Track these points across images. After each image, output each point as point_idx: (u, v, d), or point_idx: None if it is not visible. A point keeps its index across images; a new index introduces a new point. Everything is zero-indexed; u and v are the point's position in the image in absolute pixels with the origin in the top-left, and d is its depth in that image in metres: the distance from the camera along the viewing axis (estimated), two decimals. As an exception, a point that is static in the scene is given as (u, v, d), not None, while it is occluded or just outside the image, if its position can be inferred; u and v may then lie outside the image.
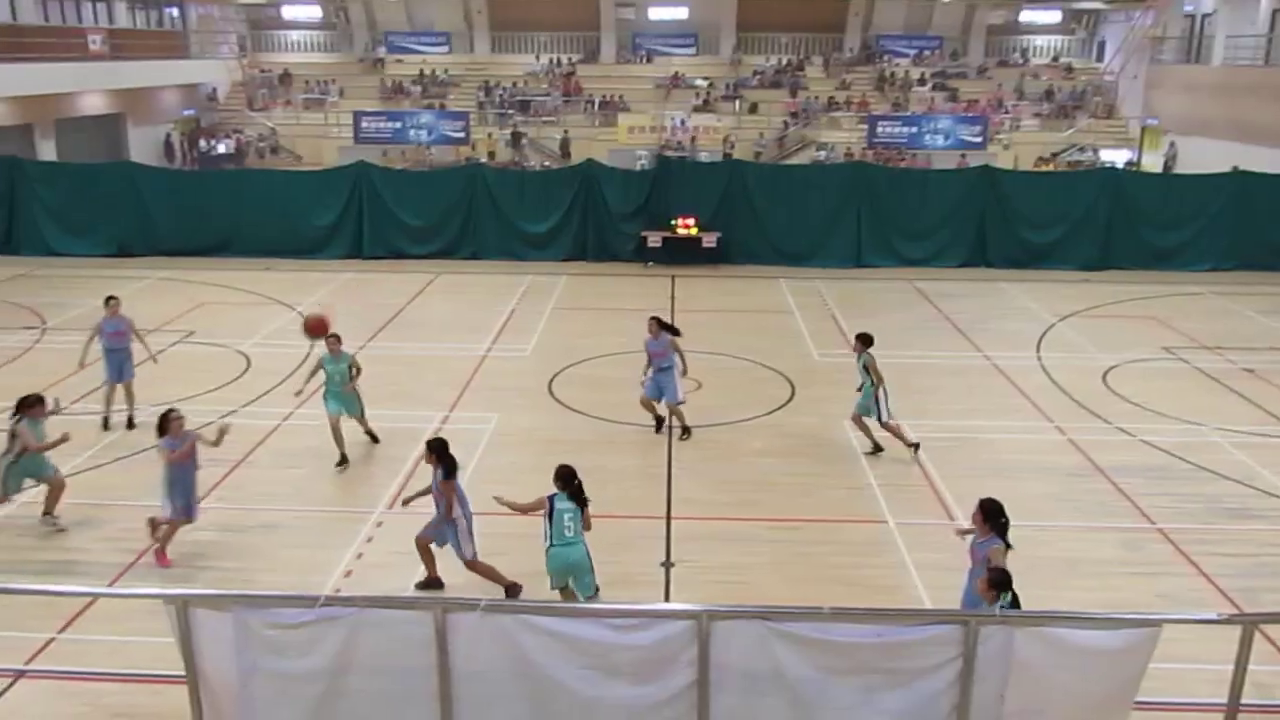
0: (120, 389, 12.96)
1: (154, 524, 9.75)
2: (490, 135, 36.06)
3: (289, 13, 43.74)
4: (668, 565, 9.74)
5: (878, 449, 12.34)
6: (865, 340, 12.30)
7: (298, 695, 5.72)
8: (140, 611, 8.27)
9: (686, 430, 12.80)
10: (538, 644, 5.56)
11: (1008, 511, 7.45)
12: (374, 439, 12.35)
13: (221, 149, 35.76)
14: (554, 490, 8.40)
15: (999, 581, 6.72)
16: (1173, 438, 13.07)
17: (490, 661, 5.60)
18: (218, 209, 22.94)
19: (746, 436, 13.08)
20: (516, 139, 35.85)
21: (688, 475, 11.78)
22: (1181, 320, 18.68)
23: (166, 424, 9.61)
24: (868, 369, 12.10)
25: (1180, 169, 32.84)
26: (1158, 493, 11.46)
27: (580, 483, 8.42)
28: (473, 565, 9.00)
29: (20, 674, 7.88)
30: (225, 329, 17.30)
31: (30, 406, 10.13)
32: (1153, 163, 35.56)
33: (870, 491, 11.40)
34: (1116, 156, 35.16)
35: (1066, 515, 10.89)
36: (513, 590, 8.92)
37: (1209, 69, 34.97)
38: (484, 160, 31.25)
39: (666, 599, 9.09)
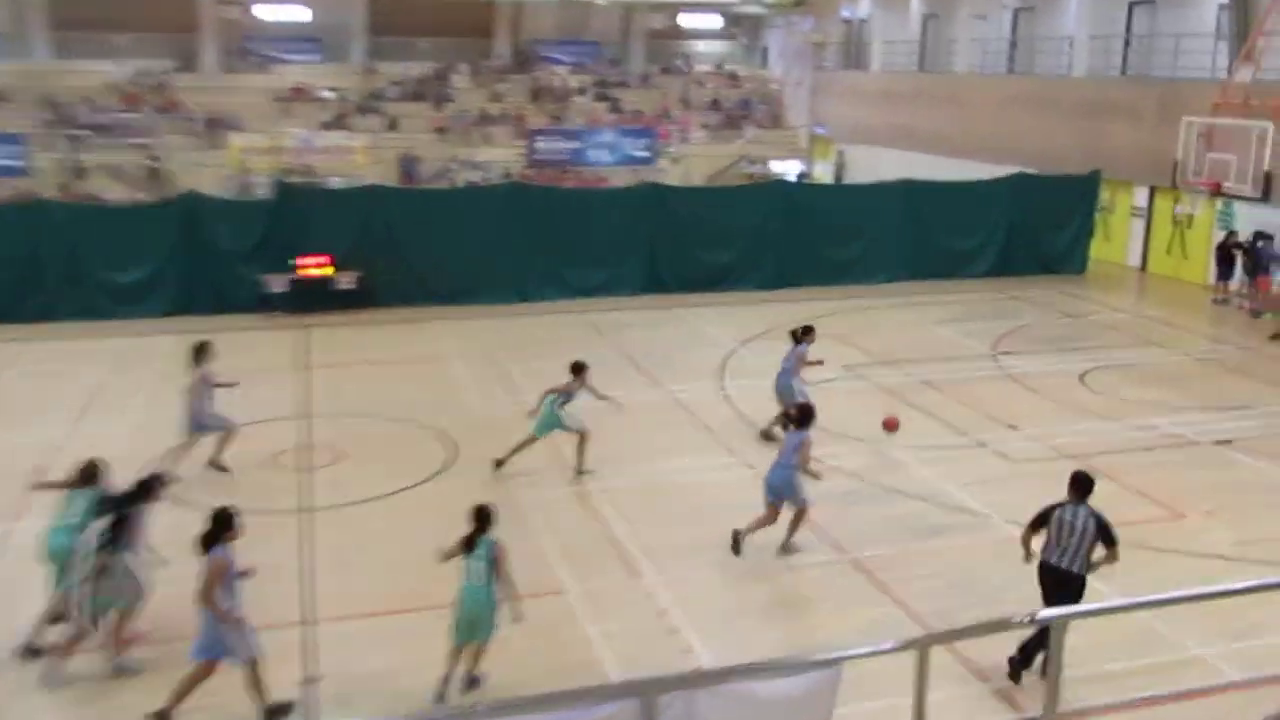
0: None
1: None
2: (61, 162, 33.47)
3: None
4: (310, 682, 9.27)
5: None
6: (581, 368, 13.84)
7: None
8: None
9: None
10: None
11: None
12: None
13: None
14: None
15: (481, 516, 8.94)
16: (859, 460, 14.32)
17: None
18: None
19: (406, 509, 12.87)
20: (79, 170, 33.51)
21: (333, 567, 11.37)
22: (860, 336, 20.59)
23: (229, 526, 8.78)
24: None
25: (850, 178, 36.32)
26: (847, 520, 12.47)
27: None
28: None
29: None
30: None
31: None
32: (824, 173, 39.09)
33: (544, 559, 11.45)
34: (788, 168, 38.12)
35: (761, 554, 11.54)
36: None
37: (869, 75, 39.13)
38: (53, 195, 28.75)
39: (313, 722, 8.66)
